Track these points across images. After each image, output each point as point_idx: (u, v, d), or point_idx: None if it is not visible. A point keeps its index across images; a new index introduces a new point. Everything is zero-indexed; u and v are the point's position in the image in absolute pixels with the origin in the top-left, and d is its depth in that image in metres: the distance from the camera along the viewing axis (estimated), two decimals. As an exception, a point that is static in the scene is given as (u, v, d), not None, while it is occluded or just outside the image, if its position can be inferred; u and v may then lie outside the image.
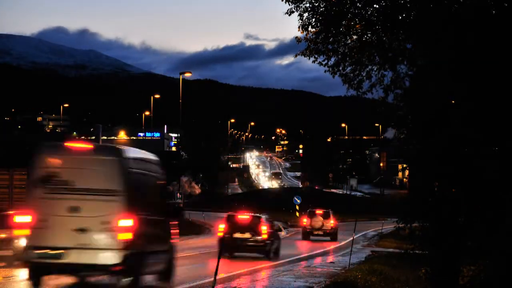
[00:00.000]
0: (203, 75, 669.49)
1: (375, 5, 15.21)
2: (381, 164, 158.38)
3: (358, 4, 15.22)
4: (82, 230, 14.28)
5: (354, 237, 32.83)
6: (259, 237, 28.12)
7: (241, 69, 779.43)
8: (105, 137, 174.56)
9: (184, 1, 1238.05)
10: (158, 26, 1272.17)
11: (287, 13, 15.60)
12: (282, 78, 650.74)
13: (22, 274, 17.35)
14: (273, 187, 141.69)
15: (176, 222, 17.74)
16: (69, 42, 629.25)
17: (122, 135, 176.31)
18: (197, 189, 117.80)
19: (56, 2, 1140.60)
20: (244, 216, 29.37)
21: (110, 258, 14.23)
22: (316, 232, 44.70)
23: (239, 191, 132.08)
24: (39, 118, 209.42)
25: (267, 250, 28.28)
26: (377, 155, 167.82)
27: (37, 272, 14.51)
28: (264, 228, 28.26)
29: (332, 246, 39.74)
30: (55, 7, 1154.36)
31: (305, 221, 45.26)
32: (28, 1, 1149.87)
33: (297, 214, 66.90)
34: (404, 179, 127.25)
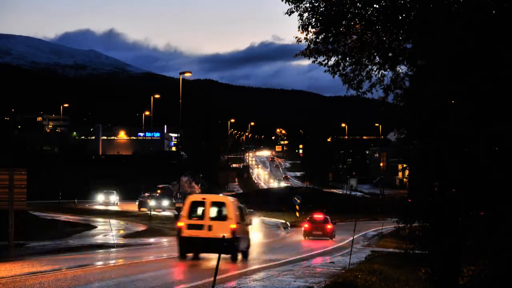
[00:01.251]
0: (224, 76, 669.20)
1: (375, 5, 15.20)
2: (381, 164, 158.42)
3: (358, 4, 15.21)
4: None
5: (354, 237, 32.84)
6: None
7: (265, 70, 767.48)
8: (105, 137, 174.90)
9: (209, 3, 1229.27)
10: (182, 28, 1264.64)
11: (287, 13, 15.59)
12: (305, 79, 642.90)
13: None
14: (273, 187, 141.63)
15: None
16: (94, 44, 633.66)
17: (122, 135, 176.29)
18: (197, 189, 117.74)
19: (81, 4, 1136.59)
20: None
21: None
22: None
23: (240, 191, 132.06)
24: (39, 118, 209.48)
25: None
26: (377, 155, 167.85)
27: None
28: None
29: (332, 246, 39.76)
30: (80, 10, 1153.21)
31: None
32: (51, 4, 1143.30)
33: (297, 214, 66.87)
34: (404, 179, 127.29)
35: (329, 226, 47.52)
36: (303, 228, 49.01)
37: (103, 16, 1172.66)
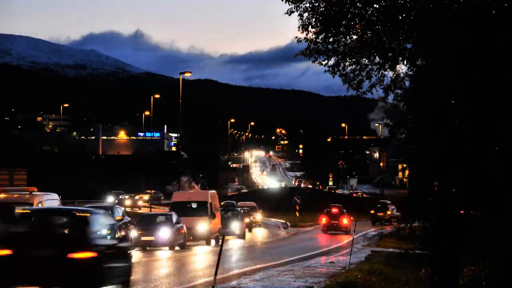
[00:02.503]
0: (249, 75, 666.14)
1: (375, 5, 15.20)
2: (381, 164, 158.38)
3: (358, 4, 15.21)
4: None
5: (354, 237, 32.82)
6: None
7: (291, 71, 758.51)
8: (105, 137, 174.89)
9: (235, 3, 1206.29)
10: (205, 30, 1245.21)
11: (287, 13, 15.58)
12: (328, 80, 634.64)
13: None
14: (273, 187, 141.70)
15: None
16: (122, 45, 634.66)
17: (122, 135, 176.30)
18: (198, 189, 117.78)
19: (105, 5, 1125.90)
20: None
21: None
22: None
23: (239, 191, 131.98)
24: (39, 118, 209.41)
25: None
26: (377, 155, 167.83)
27: None
28: None
29: (331, 246, 39.76)
30: (105, 11, 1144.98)
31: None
32: (76, 5, 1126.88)
33: (297, 214, 66.79)
34: (404, 179, 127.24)
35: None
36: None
37: (128, 18, 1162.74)
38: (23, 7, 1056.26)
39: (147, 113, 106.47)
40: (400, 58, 15.47)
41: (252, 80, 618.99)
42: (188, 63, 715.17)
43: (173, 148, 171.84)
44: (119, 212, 32.83)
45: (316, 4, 15.30)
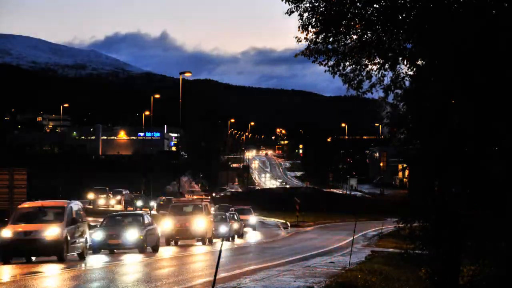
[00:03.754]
0: (267, 76, 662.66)
1: (375, 5, 15.20)
2: (381, 164, 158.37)
3: (358, 4, 15.21)
4: None
5: (354, 237, 32.82)
6: None
7: (308, 72, 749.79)
8: (105, 137, 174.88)
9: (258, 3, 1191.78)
10: (225, 32, 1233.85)
11: (287, 13, 15.59)
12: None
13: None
14: (273, 187, 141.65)
15: None
16: (147, 47, 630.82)
17: (122, 135, 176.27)
18: (197, 189, 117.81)
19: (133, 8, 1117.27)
20: None
21: None
22: None
23: (240, 191, 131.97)
24: (39, 118, 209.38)
25: None
26: (377, 155, 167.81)
27: None
28: None
29: (331, 246, 39.78)
30: (131, 12, 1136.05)
31: None
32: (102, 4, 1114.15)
33: (297, 214, 66.82)
34: (404, 179, 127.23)
35: None
36: None
37: (154, 19, 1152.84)
38: (46, 6, 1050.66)
39: (147, 113, 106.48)
40: (400, 58, 15.47)
41: (269, 81, 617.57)
42: (212, 64, 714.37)
43: (173, 148, 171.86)
44: None
45: (316, 4, 15.30)
